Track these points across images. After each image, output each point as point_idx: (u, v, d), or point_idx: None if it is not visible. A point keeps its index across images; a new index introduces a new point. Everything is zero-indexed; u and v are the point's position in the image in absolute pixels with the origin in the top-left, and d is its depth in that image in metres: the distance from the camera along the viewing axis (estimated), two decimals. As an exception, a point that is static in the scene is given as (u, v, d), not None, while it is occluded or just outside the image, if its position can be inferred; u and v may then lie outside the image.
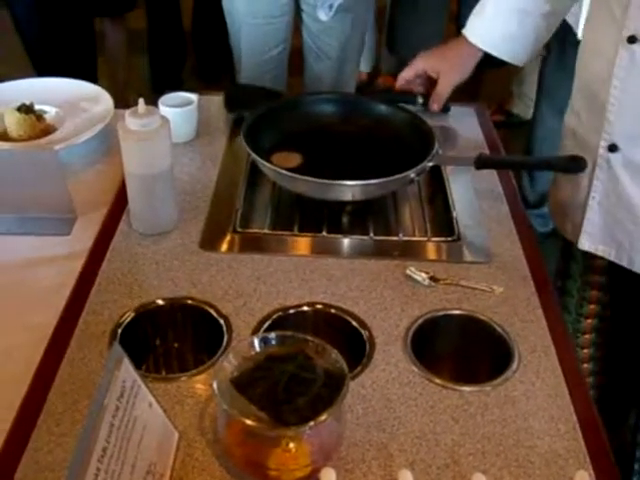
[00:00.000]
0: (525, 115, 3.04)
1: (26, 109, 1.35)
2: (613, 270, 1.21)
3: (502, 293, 1.04)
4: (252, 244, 1.13)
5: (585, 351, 1.34)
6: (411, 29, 2.88)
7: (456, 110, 1.48)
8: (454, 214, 1.19)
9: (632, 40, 1.04)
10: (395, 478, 0.74)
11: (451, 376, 0.94)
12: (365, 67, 3.27)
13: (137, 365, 0.76)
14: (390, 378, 0.91)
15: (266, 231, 1.16)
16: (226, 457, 0.80)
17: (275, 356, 0.81)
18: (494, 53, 1.31)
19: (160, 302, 1.01)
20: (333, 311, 1.01)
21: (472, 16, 1.33)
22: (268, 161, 1.19)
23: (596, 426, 0.87)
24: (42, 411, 0.85)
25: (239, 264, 1.08)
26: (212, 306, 1.00)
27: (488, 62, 1.35)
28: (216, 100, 1.48)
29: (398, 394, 0.89)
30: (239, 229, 1.15)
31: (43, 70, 2.14)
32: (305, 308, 1.01)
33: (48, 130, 1.37)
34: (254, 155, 1.19)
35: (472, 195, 1.25)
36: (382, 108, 1.34)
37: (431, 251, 1.14)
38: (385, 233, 1.17)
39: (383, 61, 3.36)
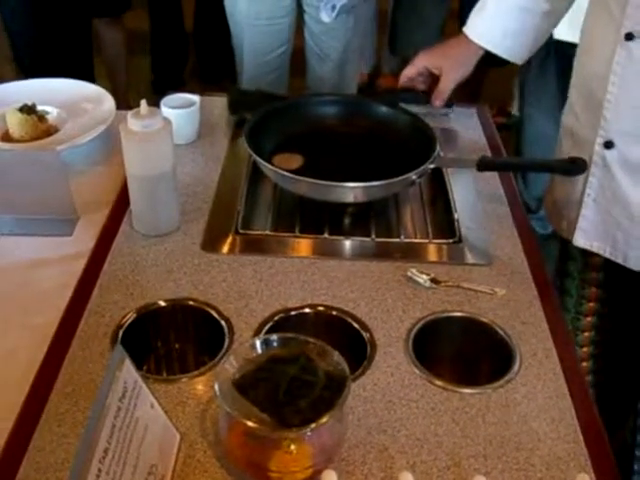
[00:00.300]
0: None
1: (28, 110, 1.35)
2: (609, 267, 1.22)
3: (503, 295, 1.04)
4: (254, 246, 1.13)
5: (584, 349, 1.34)
6: (412, 30, 2.90)
7: (458, 111, 1.48)
8: (455, 216, 1.19)
9: (629, 37, 1.04)
10: (396, 480, 0.74)
11: (452, 378, 0.93)
12: (366, 68, 3.27)
13: (138, 366, 0.76)
14: (391, 380, 0.91)
15: (268, 233, 1.16)
16: (227, 459, 0.80)
17: (277, 358, 0.81)
18: (494, 50, 1.31)
19: (162, 303, 1.02)
20: (334, 313, 1.01)
21: (473, 14, 1.33)
22: (270, 163, 1.19)
23: (597, 429, 0.87)
24: (44, 411, 0.85)
25: (241, 265, 1.08)
26: (213, 307, 1.00)
27: (491, 60, 1.35)
28: (218, 101, 1.48)
29: (399, 396, 0.89)
30: (241, 230, 1.15)
31: (32, 73, 1.95)
32: (306, 310, 1.01)
33: (50, 131, 1.37)
34: (256, 156, 1.19)
35: (474, 197, 1.25)
36: (384, 110, 1.35)
37: (432, 253, 1.14)
38: (386, 235, 1.17)
39: (384, 62, 3.36)
